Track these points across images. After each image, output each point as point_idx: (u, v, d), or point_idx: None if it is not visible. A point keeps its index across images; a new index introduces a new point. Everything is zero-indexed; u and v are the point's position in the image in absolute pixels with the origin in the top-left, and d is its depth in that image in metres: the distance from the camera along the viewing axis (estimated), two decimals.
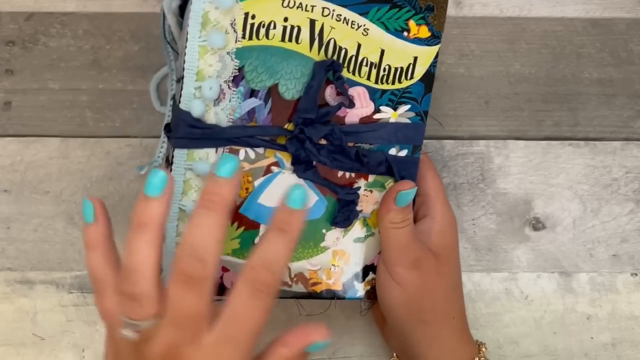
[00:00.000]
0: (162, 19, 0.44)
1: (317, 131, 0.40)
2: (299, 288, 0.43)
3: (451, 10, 0.54)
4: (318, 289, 0.43)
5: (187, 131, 0.39)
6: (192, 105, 0.39)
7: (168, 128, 0.42)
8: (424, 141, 0.44)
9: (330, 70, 0.40)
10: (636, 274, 0.52)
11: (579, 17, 0.54)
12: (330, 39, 0.40)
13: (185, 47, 0.39)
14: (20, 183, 0.51)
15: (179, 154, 0.40)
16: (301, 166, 0.41)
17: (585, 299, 0.52)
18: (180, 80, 0.40)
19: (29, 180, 0.51)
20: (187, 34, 0.38)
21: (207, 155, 0.40)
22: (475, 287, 0.51)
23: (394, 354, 0.47)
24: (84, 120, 0.52)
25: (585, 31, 0.54)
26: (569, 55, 0.54)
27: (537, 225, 0.53)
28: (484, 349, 0.44)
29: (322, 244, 0.43)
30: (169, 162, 0.42)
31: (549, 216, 0.53)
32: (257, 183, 0.42)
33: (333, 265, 0.43)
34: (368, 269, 0.44)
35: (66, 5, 0.53)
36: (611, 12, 0.55)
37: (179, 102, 0.39)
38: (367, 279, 0.44)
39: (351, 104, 0.41)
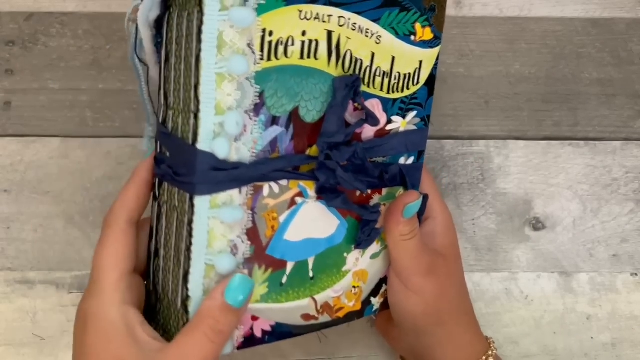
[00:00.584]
0: (135, 34, 0.37)
1: (342, 154, 0.37)
2: (325, 318, 0.41)
3: (451, 10, 0.54)
4: (341, 314, 0.42)
5: (209, 175, 0.34)
6: (215, 145, 0.33)
7: (171, 170, 0.35)
8: None
9: (354, 88, 0.37)
10: (636, 274, 0.52)
11: (579, 17, 0.54)
12: (347, 51, 0.37)
13: (201, 75, 0.33)
14: (20, 183, 0.51)
15: (201, 203, 0.34)
16: (329, 194, 0.38)
17: (585, 299, 0.52)
18: (186, 113, 0.35)
19: (29, 180, 0.51)
20: (201, 60, 0.33)
21: (231, 198, 0.35)
22: (475, 287, 0.51)
23: (400, 357, 0.47)
24: (84, 120, 0.52)
25: (585, 31, 0.54)
26: (569, 55, 0.54)
27: (537, 225, 0.52)
28: (492, 343, 0.44)
29: (344, 268, 0.41)
30: (157, 199, 0.37)
31: (549, 216, 0.53)
32: (282, 219, 0.38)
33: (354, 287, 0.42)
34: (381, 282, 0.44)
35: (66, 5, 0.53)
36: (611, 12, 0.55)
37: (194, 140, 0.34)
38: (380, 292, 0.44)
39: (375, 121, 0.39)
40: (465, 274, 0.45)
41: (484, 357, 0.42)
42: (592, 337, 0.51)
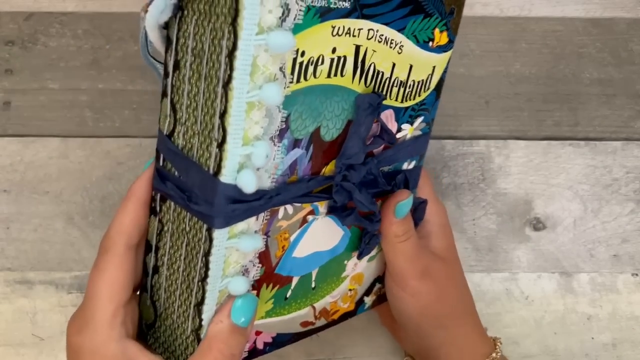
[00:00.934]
0: (145, 34, 0.33)
1: (358, 173, 0.36)
2: (321, 322, 0.41)
3: None
4: (336, 316, 0.42)
5: (229, 208, 0.31)
6: (241, 178, 0.30)
7: (182, 192, 0.32)
8: None
9: (378, 107, 0.36)
10: (637, 274, 0.52)
11: (579, 17, 0.54)
12: (370, 65, 0.35)
13: (231, 105, 0.29)
14: (20, 183, 0.51)
15: (220, 235, 0.32)
16: (341, 212, 0.37)
17: (586, 299, 0.52)
18: (205, 138, 0.31)
19: (29, 180, 0.51)
20: (232, 88, 0.29)
21: (248, 226, 0.33)
22: (476, 287, 0.51)
23: (406, 355, 0.47)
24: (84, 120, 0.52)
25: (585, 31, 0.54)
26: (570, 55, 0.54)
27: (538, 225, 0.52)
28: (499, 343, 0.43)
29: (343, 275, 0.41)
30: (157, 214, 0.34)
31: (550, 216, 0.53)
32: (292, 238, 0.36)
33: (350, 289, 0.42)
34: (375, 281, 0.43)
35: (66, 5, 0.52)
36: (612, 11, 0.55)
37: (216, 172, 0.30)
38: (373, 290, 0.44)
39: (392, 138, 0.38)
40: (466, 274, 0.45)
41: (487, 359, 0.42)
42: (592, 338, 0.51)
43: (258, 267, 0.35)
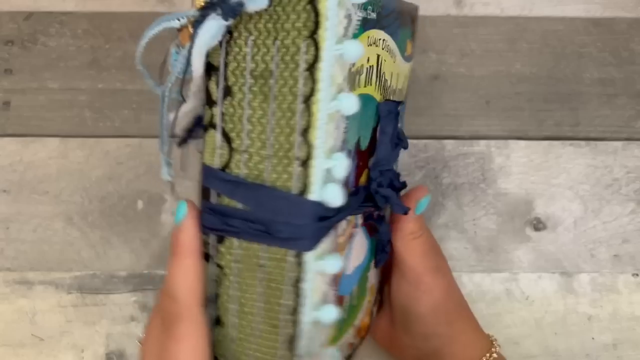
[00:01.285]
0: (186, 62, 0.30)
1: (387, 177, 0.36)
2: (357, 341, 0.41)
3: (452, 10, 0.54)
4: (363, 332, 0.42)
5: (317, 227, 0.30)
6: (328, 192, 0.29)
7: (257, 224, 0.31)
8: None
9: (398, 112, 0.36)
10: (637, 275, 0.52)
11: (580, 17, 0.54)
12: (383, 73, 0.35)
13: (316, 118, 0.29)
14: (19, 183, 0.51)
15: (311, 259, 0.30)
16: (376, 221, 0.38)
17: (586, 300, 0.51)
18: (280, 159, 0.30)
19: (28, 180, 0.51)
20: (316, 101, 0.28)
21: (328, 246, 0.31)
22: (476, 287, 0.51)
23: None
24: (83, 120, 0.51)
25: (586, 31, 0.54)
26: (570, 55, 0.54)
27: (538, 225, 0.52)
28: (495, 340, 0.43)
29: (367, 286, 0.40)
30: (210, 258, 0.32)
31: (550, 216, 0.52)
32: (345, 254, 0.35)
33: (369, 302, 0.41)
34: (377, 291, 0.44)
35: (65, 5, 0.52)
36: (612, 11, 0.54)
37: (303, 191, 0.29)
38: (375, 299, 0.44)
39: (406, 144, 0.39)
40: (466, 274, 0.45)
41: (487, 354, 0.42)
42: (593, 338, 0.51)
43: (333, 291, 0.33)
